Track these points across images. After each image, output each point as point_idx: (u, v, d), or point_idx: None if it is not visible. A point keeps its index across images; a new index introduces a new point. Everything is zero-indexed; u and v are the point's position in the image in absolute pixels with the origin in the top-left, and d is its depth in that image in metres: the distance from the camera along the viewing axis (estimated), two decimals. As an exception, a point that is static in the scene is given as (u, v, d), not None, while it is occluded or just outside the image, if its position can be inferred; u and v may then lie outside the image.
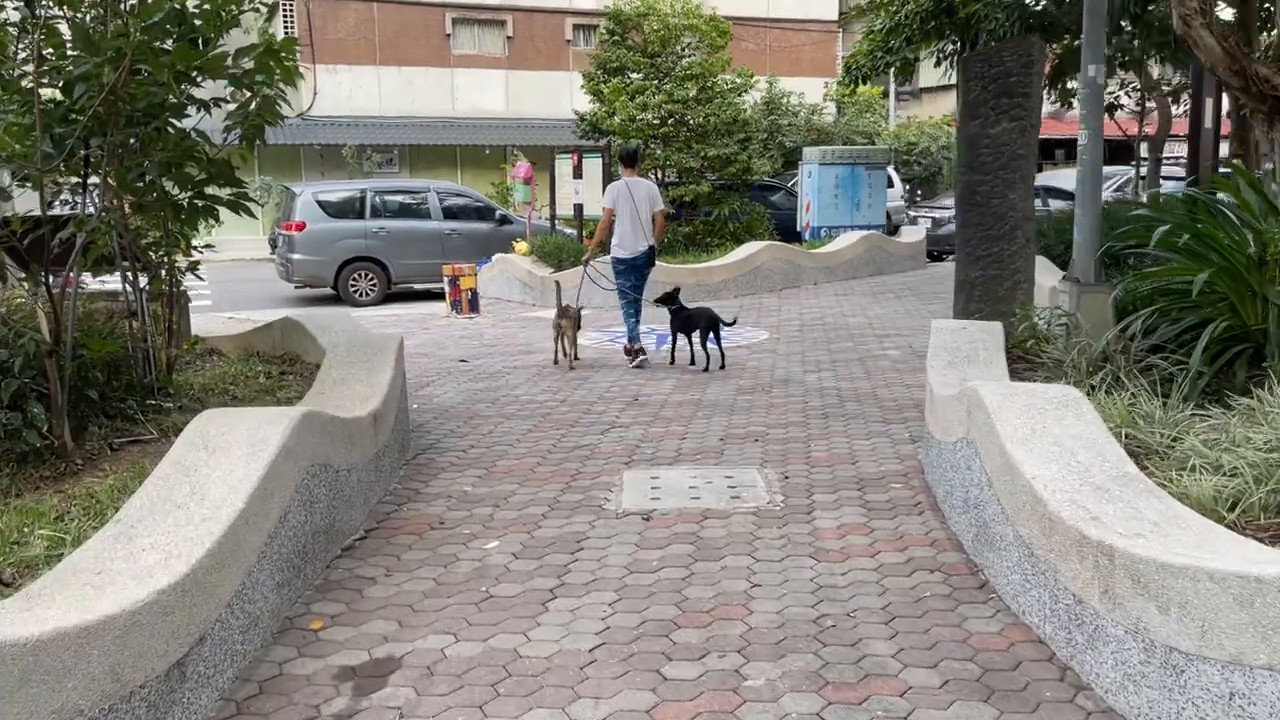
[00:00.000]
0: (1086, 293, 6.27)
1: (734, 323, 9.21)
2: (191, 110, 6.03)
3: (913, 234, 17.54)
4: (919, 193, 29.89)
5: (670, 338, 8.99)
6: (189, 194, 5.57)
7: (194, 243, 6.96)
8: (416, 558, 4.39)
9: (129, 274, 6.45)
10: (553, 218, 15.98)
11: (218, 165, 6.24)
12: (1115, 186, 25.89)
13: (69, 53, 5.20)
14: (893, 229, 18.58)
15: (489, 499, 5.18)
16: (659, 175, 15.98)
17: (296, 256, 15.69)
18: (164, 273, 6.64)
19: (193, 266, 6.78)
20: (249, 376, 6.85)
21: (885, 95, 32.35)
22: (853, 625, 3.64)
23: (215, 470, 3.60)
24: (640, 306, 9.18)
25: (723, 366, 8.61)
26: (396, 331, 11.37)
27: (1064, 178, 26.17)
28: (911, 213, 20.68)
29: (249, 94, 6.26)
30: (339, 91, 27.64)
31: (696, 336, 8.71)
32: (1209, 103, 12.83)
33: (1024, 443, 3.81)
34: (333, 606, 3.89)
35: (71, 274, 5.26)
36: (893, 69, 15.38)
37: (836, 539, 4.51)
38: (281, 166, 27.23)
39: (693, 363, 8.76)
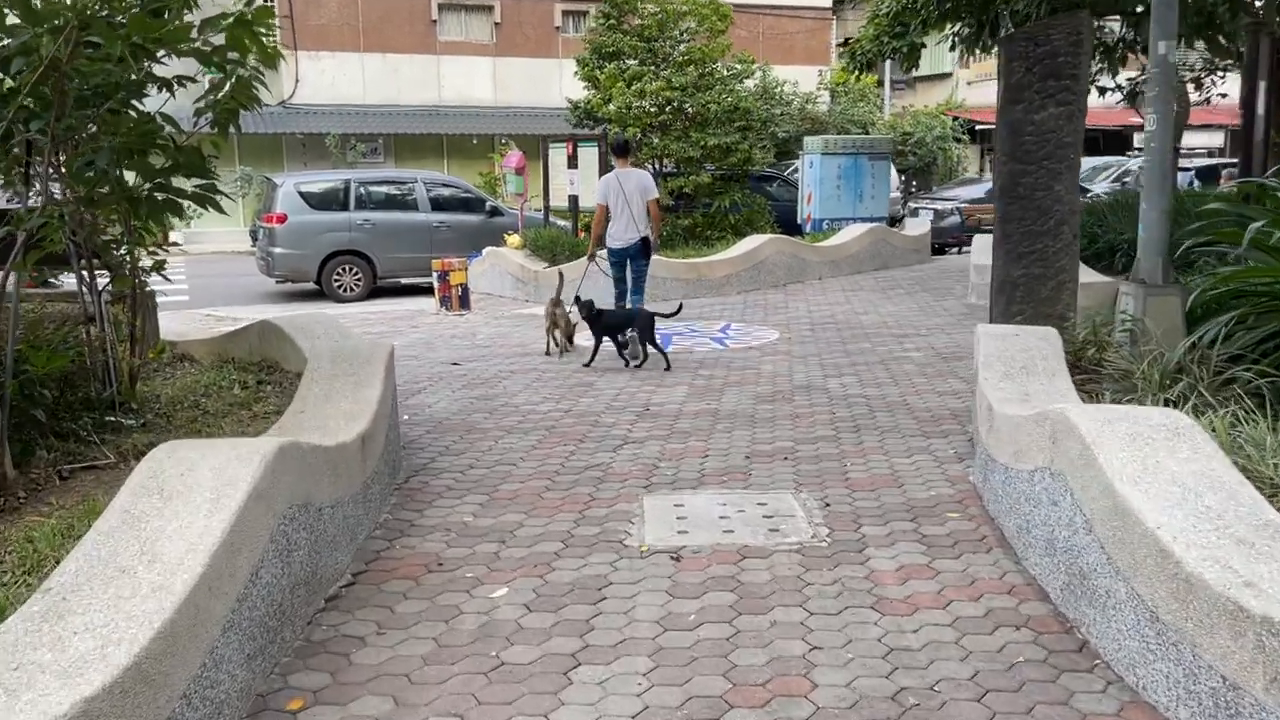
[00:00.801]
0: (1154, 296, 5.69)
1: (677, 312, 9.05)
2: (155, 91, 5.40)
3: (917, 226, 16.98)
4: (914, 184, 29.33)
5: (596, 341, 8.66)
6: (148, 186, 4.89)
7: (162, 239, 6.32)
8: (413, 610, 3.77)
9: (86, 275, 5.80)
10: (546, 209, 15.34)
11: (187, 153, 5.59)
12: (1113, 177, 25.43)
13: (9, 22, 4.54)
14: (889, 222, 18.02)
15: (493, 532, 4.56)
16: (657, 165, 15.35)
17: (278, 250, 15.01)
18: (127, 272, 6.00)
19: (158, 266, 6.13)
20: (222, 387, 6.21)
21: (880, 84, 31.75)
22: (939, 704, 3.04)
23: (171, 522, 2.97)
24: (640, 299, 9.19)
25: (667, 368, 8.36)
26: (382, 330, 10.79)
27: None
28: (911, 205, 20.10)
29: (221, 74, 5.63)
30: (321, 79, 26.86)
31: (632, 335, 8.45)
32: (1262, 86, 12.23)
33: (1136, 481, 3.21)
34: (315, 678, 3.27)
35: (13, 277, 4.60)
36: (899, 54, 14.76)
37: (898, 584, 3.91)
38: (262, 156, 26.47)
39: (627, 363, 8.52)
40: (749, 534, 4.46)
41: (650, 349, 8.45)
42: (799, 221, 16.82)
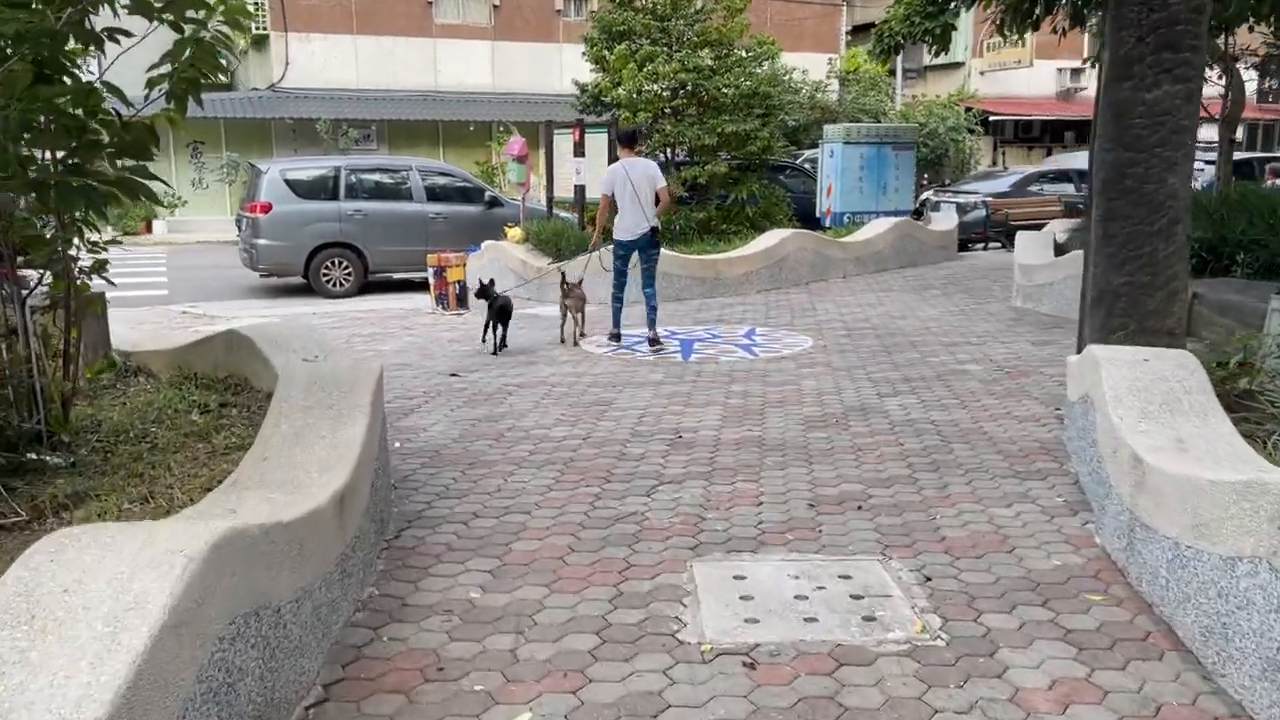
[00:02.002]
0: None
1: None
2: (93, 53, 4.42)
3: (944, 222, 15.98)
4: (926, 176, 28.33)
5: (487, 326, 9.00)
6: (62, 169, 3.87)
7: (104, 234, 5.31)
8: (404, 748, 2.77)
9: (7, 279, 4.77)
10: (550, 200, 14.30)
11: (135, 131, 4.61)
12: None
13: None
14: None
15: (507, 616, 3.56)
16: (668, 154, 14.31)
17: (261, 242, 13.95)
18: (77, 272, 4.98)
19: (98, 267, 5.10)
20: (179, 411, 5.19)
21: (891, 73, 30.71)
22: None
23: (40, 676, 1.96)
24: (652, 291, 8.99)
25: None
26: (372, 331, 9.71)
27: (1082, 160, 24.75)
28: (932, 198, 19.08)
29: (179, 35, 4.68)
30: (312, 62, 25.74)
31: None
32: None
33: None
34: None
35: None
36: (930, 36, 13.73)
37: (1057, 711, 2.92)
38: (250, 142, 25.37)
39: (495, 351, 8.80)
40: (838, 624, 3.46)
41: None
42: (818, 215, 15.83)
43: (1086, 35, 34.10)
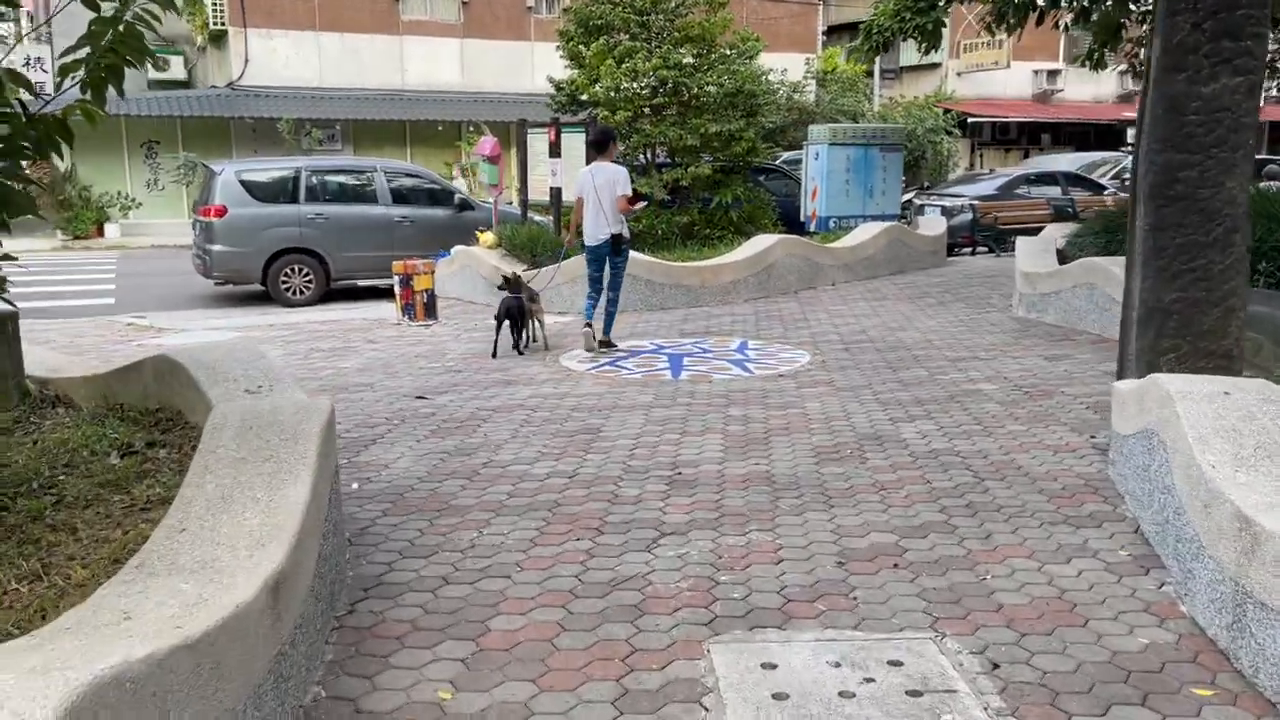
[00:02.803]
0: None
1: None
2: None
3: (933, 226, 15.42)
4: (904, 179, 27.88)
5: (499, 329, 8.84)
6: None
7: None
8: None
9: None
10: (524, 203, 13.59)
11: (47, 126, 3.94)
12: (1113, 174, 24.01)
13: None
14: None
15: (487, 725, 2.87)
16: (648, 155, 13.63)
17: (216, 248, 13.15)
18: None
19: (-3, 285, 4.34)
20: (97, 452, 4.47)
21: (869, 74, 30.24)
22: None
23: None
24: (614, 297, 8.93)
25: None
26: (332, 346, 8.79)
27: (1061, 164, 24.30)
28: (916, 201, 18.53)
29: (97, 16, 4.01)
30: (274, 60, 24.86)
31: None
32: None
33: None
34: None
35: None
36: (921, 33, 13.15)
37: None
38: (208, 142, 24.45)
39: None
40: (899, 735, 2.79)
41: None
42: (803, 219, 15.20)
43: (1064, 37, 33.98)
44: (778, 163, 18.82)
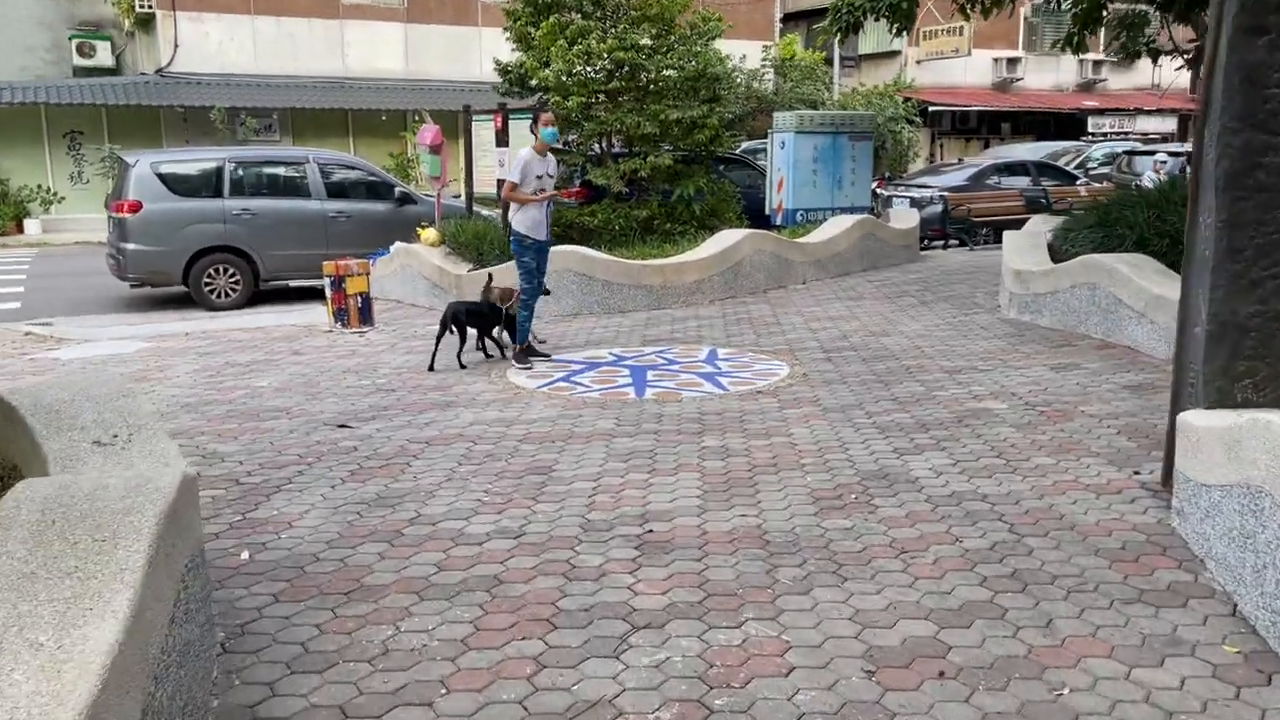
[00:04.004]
0: None
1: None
2: None
3: (905, 219, 14.57)
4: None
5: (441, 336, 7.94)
6: None
7: None
8: None
9: None
10: (469, 196, 12.51)
11: None
12: (1076, 163, 23.43)
13: None
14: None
15: None
16: (603, 144, 12.62)
17: (130, 246, 11.94)
18: None
19: None
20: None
21: (828, 61, 29.45)
22: None
23: None
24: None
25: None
26: (252, 359, 7.32)
27: (1022, 153, 23.66)
28: (883, 193, 17.70)
29: None
30: (206, 45, 23.45)
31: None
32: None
33: None
34: None
35: None
36: (894, 12, 12.28)
37: None
38: (136, 133, 22.95)
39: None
40: None
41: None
42: (768, 212, 14.27)
43: (1024, 24, 33.46)
44: (739, 152, 17.90)
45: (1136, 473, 4.86)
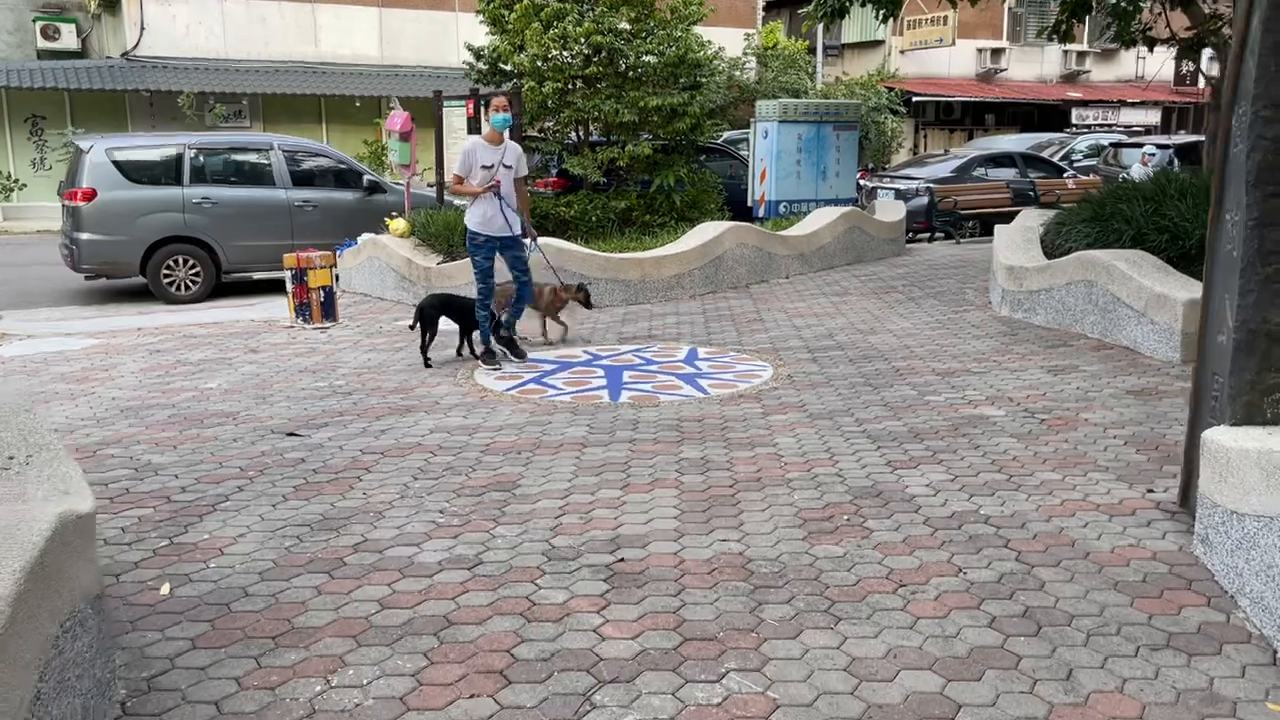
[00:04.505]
0: None
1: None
2: None
3: (891, 211, 14.18)
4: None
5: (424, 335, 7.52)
6: None
7: None
8: None
9: None
10: (440, 186, 12.05)
11: None
12: (1060, 155, 23.15)
13: None
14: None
15: None
16: (581, 132, 12.17)
17: (84, 236, 11.42)
18: None
19: None
20: None
21: (811, 51, 29.02)
22: None
23: None
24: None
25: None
26: (206, 356, 6.60)
27: (1005, 144, 23.35)
28: (867, 184, 17.32)
29: None
30: (173, 28, 22.78)
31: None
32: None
33: None
34: None
35: None
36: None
37: None
38: (102, 118, 22.31)
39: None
40: None
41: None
42: (750, 204, 13.88)
43: (1008, 15, 33.15)
44: (721, 141, 17.48)
45: (1150, 490, 4.49)
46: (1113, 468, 4.83)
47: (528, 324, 8.15)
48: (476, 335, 7.50)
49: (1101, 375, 6.72)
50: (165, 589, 3.57)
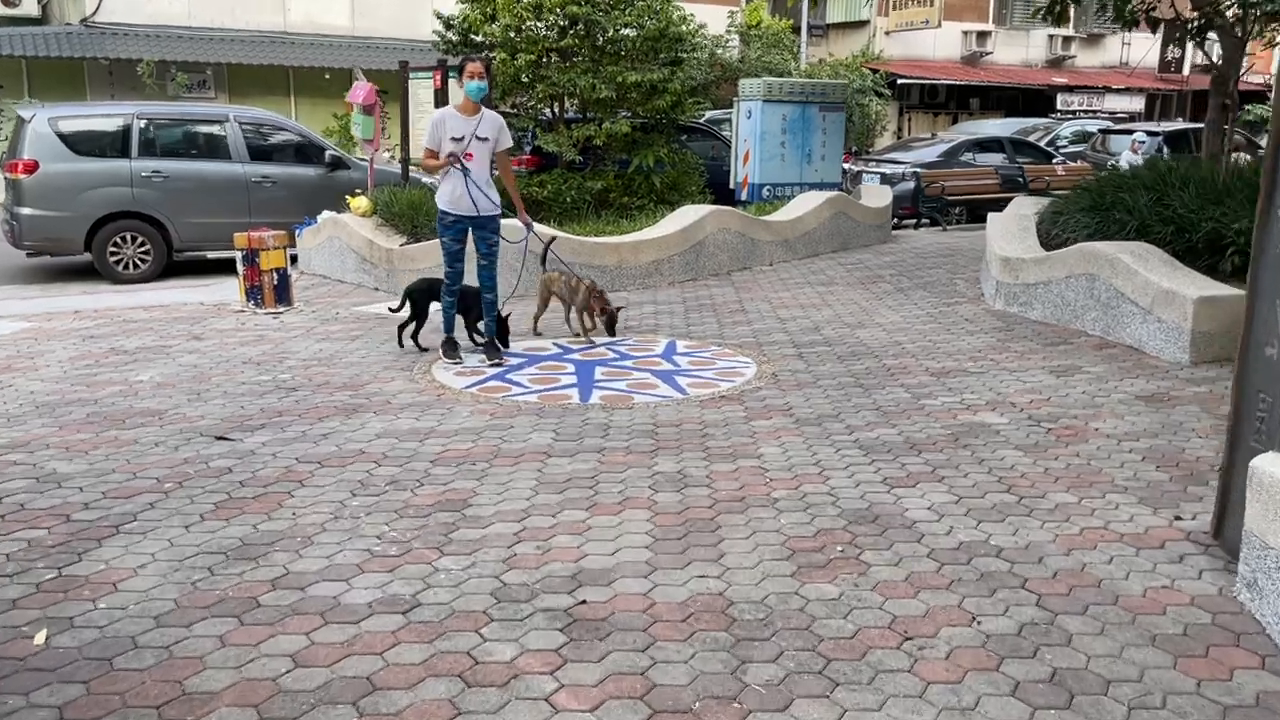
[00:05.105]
0: None
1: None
2: None
3: (878, 197, 13.66)
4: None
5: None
6: None
7: None
8: None
9: None
10: (405, 162, 11.43)
11: None
12: (1046, 141, 22.71)
13: None
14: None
15: None
16: (556, 108, 11.56)
17: (26, 211, 10.74)
18: None
19: None
20: None
21: (795, 30, 28.41)
22: None
23: None
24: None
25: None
26: (144, 343, 6.14)
27: (995, 129, 22.87)
28: (852, 168, 16.80)
29: None
30: (135, -7, 21.91)
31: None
32: None
33: None
34: None
35: None
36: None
37: None
38: (59, 86, 21.43)
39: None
40: None
41: None
42: (732, 186, 13.32)
43: (993, -7, 32.61)
44: (703, 121, 16.90)
45: (1178, 518, 4.01)
46: (1132, 488, 4.35)
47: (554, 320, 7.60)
48: (481, 324, 7.00)
49: (1107, 378, 6.24)
50: (40, 638, 3.02)
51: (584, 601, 3.28)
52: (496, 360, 6.68)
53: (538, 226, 8.15)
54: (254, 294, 8.89)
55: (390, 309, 7.44)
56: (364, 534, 3.83)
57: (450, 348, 6.77)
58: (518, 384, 6.20)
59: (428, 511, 4.06)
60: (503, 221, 6.93)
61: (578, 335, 7.49)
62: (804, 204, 11.88)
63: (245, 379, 6.29)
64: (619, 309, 7.56)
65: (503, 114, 7.92)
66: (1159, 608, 3.26)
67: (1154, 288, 6.86)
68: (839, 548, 3.72)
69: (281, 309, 8.83)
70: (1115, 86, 33.50)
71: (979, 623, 3.16)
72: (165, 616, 3.16)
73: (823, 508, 4.12)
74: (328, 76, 22.99)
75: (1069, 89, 33.09)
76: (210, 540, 3.76)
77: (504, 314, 7.04)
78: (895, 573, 3.51)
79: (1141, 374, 6.32)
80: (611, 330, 7.45)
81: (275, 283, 8.90)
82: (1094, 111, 32.75)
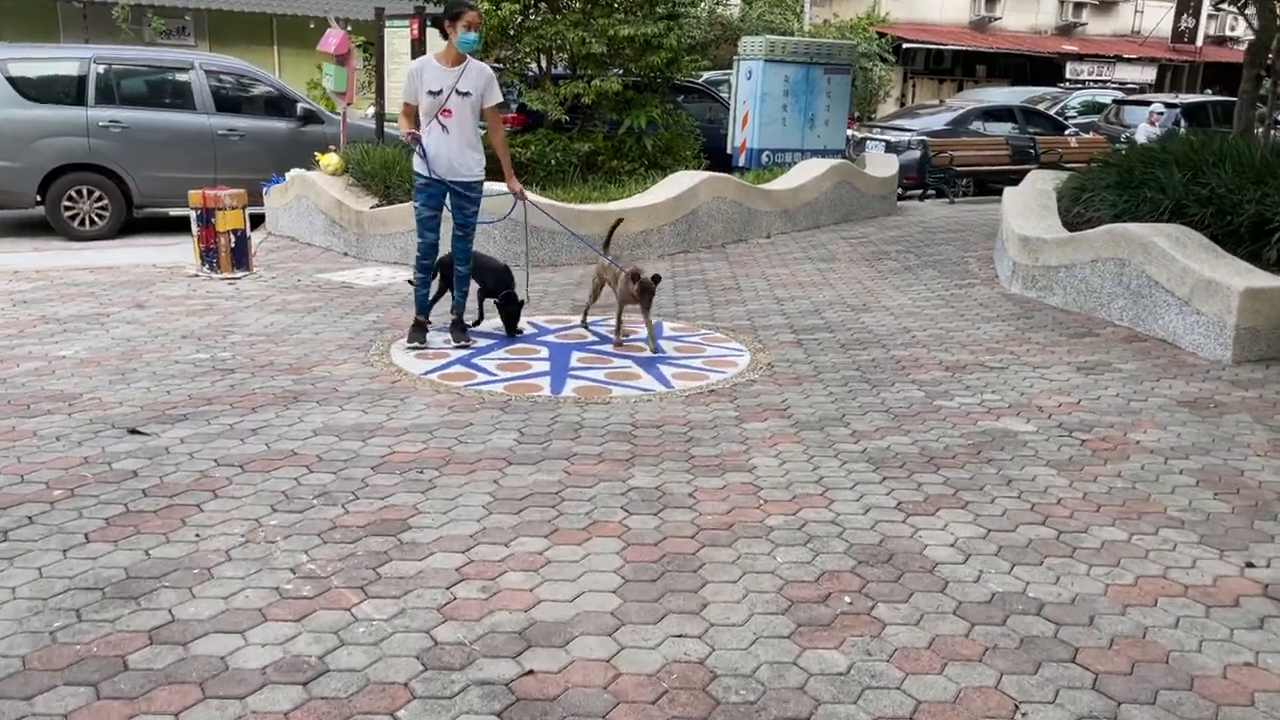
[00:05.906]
0: None
1: None
2: None
3: (883, 166, 12.93)
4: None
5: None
6: None
7: None
8: None
9: None
10: (380, 117, 10.67)
11: None
12: (1055, 111, 21.91)
13: None
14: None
15: None
16: (542, 63, 10.79)
17: (-30, 160, 9.97)
18: None
19: None
20: None
21: (799, -11, 27.47)
22: None
23: None
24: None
25: None
26: (82, 309, 5.49)
27: (1003, 97, 22.05)
28: (856, 135, 16.04)
29: None
30: (111, -68, 20.87)
31: None
32: None
33: None
34: None
35: None
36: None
37: None
38: (30, 28, 20.48)
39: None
40: None
41: None
42: (730, 151, 12.59)
43: (1006, -41, 31.60)
44: (701, 81, 16.10)
45: (1250, 564, 3.37)
46: (1189, 522, 3.71)
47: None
48: (489, 302, 6.31)
49: (1142, 377, 5.60)
50: None
51: (530, 672, 2.63)
52: (463, 342, 6.01)
53: (609, 205, 7.17)
54: (209, 257, 8.18)
55: (409, 281, 6.56)
56: (276, 565, 3.18)
57: (418, 331, 6.05)
58: (483, 370, 5.54)
59: (357, 536, 3.41)
60: (491, 188, 6.22)
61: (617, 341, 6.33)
62: (805, 172, 11.16)
63: (180, 357, 5.61)
64: (655, 278, 6.10)
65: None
66: (1245, 695, 2.64)
67: (1193, 276, 6.21)
68: (847, 598, 3.08)
69: (239, 274, 8.14)
70: (1127, 56, 32.63)
71: (1023, 714, 2.52)
72: (4, 683, 2.51)
73: (827, 541, 3.48)
74: (312, 25, 22.02)
75: (1079, 57, 32.20)
76: (88, 572, 3.10)
77: (520, 298, 6.31)
78: (916, 635, 2.87)
79: (1180, 373, 5.68)
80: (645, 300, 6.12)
81: (232, 245, 8.19)
82: (1104, 82, 31.90)
